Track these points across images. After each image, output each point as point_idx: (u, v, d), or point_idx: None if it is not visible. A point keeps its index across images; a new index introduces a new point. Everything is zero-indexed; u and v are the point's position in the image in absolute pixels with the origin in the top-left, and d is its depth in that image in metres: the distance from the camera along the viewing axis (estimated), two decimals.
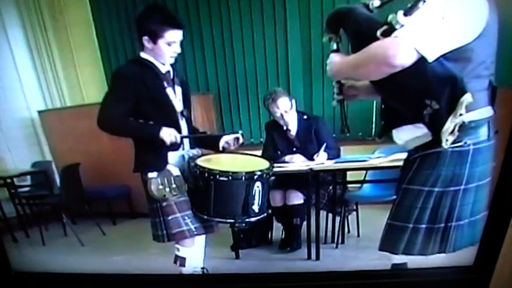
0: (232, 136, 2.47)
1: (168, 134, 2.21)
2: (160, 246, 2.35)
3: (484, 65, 1.52)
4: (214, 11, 4.47)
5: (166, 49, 2.21)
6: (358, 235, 3.63)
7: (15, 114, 4.84)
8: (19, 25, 4.82)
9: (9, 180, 4.22)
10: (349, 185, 3.53)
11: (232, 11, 4.45)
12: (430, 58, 1.43)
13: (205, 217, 2.26)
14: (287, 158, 3.36)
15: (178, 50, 2.26)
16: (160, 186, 2.23)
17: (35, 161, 4.74)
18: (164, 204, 2.26)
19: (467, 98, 1.43)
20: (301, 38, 4.40)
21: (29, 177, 4.51)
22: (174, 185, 2.25)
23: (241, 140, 2.48)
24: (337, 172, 3.35)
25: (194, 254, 2.37)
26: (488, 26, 1.47)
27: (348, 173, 3.44)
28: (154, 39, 2.19)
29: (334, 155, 3.32)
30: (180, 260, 2.34)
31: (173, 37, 2.19)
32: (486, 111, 1.56)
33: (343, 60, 1.73)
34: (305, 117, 3.43)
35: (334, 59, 1.77)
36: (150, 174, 2.24)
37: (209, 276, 2.45)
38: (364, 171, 3.49)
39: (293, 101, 3.36)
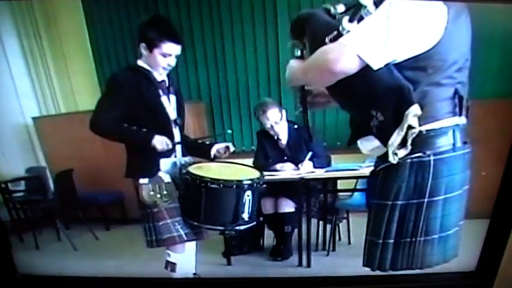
0: (223, 145, 2.53)
1: (160, 142, 2.24)
2: (153, 252, 2.37)
3: (446, 73, 1.43)
4: (206, 20, 4.49)
5: (160, 60, 2.24)
6: (349, 243, 3.65)
7: (10, 120, 4.82)
8: (14, 33, 4.82)
9: (3, 185, 4.21)
10: (340, 193, 3.56)
11: (224, 21, 4.47)
12: (375, 66, 1.35)
13: (196, 224, 2.30)
14: (278, 166, 3.39)
15: (173, 63, 2.29)
16: (152, 193, 2.26)
17: (29, 167, 4.73)
18: (155, 210, 2.29)
19: (413, 110, 1.37)
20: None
21: (23, 182, 4.49)
22: (165, 192, 2.28)
23: (231, 149, 2.53)
24: (328, 180, 3.37)
25: (185, 260, 2.40)
26: (449, 35, 1.38)
27: (339, 181, 3.47)
28: (150, 47, 2.23)
29: (322, 163, 3.35)
30: (171, 266, 2.37)
31: (169, 50, 2.23)
32: (448, 121, 1.46)
33: (297, 66, 1.69)
34: (295, 126, 3.45)
35: (292, 65, 1.73)
36: (142, 180, 2.28)
37: (200, 280, 2.46)
38: (355, 180, 3.53)
39: (283, 111, 3.38)
